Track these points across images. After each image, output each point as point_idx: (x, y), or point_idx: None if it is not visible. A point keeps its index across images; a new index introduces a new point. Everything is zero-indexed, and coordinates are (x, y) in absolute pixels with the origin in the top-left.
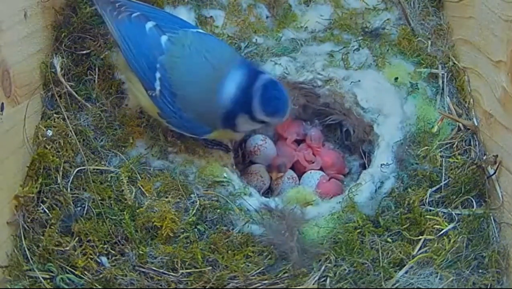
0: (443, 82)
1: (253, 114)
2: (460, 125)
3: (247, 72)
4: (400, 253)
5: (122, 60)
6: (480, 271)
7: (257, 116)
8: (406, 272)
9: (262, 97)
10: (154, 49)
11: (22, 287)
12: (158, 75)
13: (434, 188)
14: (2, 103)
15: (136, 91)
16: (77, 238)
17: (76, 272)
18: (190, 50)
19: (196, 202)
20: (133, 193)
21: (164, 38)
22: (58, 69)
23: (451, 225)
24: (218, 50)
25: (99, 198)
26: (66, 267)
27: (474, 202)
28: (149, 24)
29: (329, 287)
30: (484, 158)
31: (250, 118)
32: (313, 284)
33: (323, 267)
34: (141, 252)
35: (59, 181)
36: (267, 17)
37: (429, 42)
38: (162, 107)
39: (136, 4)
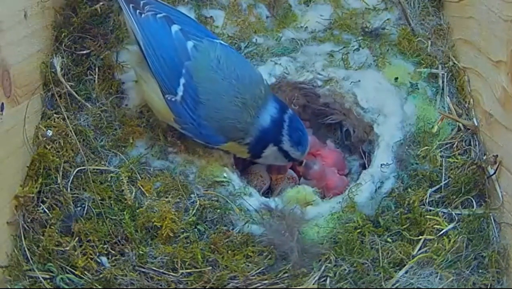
0: (443, 82)
1: (280, 144)
2: (460, 125)
3: (277, 105)
4: (400, 253)
5: (135, 58)
6: (480, 271)
7: (284, 146)
8: (406, 272)
9: (290, 127)
10: (180, 53)
11: (22, 287)
12: (182, 80)
13: (434, 188)
14: (2, 103)
15: (151, 92)
16: (77, 238)
17: (76, 272)
18: (219, 63)
19: (196, 202)
20: (133, 193)
21: (190, 44)
22: (58, 69)
23: (451, 225)
24: (246, 69)
25: (99, 198)
26: (66, 267)
27: (474, 202)
28: (175, 27)
29: (329, 287)
30: (484, 158)
31: (278, 149)
32: (313, 284)
33: (323, 267)
34: (141, 252)
35: (59, 181)
36: (267, 17)
37: (429, 42)
38: (181, 113)
39: (160, 4)
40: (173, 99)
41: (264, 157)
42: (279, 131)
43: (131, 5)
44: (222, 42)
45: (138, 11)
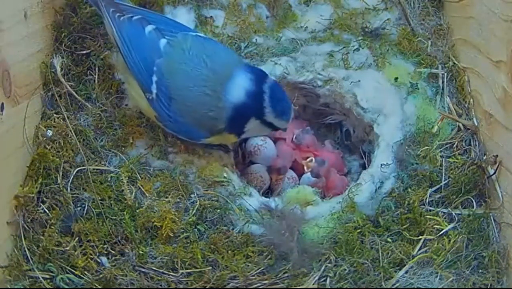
0: (443, 82)
1: (263, 117)
2: (460, 125)
3: (252, 76)
4: (400, 253)
5: (121, 62)
6: (480, 271)
7: (267, 118)
8: (406, 272)
9: (272, 98)
10: (152, 52)
11: (22, 287)
12: (154, 78)
13: (434, 188)
14: (2, 103)
15: (135, 94)
16: (77, 238)
17: (76, 272)
18: (189, 54)
19: (196, 202)
20: (133, 193)
21: (163, 42)
22: (58, 69)
23: (451, 225)
24: (219, 55)
25: (99, 198)
26: (66, 267)
27: (474, 202)
28: (149, 27)
29: (329, 287)
30: (484, 158)
31: (260, 122)
32: (313, 284)
33: (323, 267)
34: (141, 252)
35: (59, 181)
36: (267, 17)
37: (429, 42)
38: (159, 111)
39: (138, 10)
40: (150, 98)
41: (247, 131)
42: (261, 103)
43: (111, 9)
44: (199, 34)
45: (117, 14)
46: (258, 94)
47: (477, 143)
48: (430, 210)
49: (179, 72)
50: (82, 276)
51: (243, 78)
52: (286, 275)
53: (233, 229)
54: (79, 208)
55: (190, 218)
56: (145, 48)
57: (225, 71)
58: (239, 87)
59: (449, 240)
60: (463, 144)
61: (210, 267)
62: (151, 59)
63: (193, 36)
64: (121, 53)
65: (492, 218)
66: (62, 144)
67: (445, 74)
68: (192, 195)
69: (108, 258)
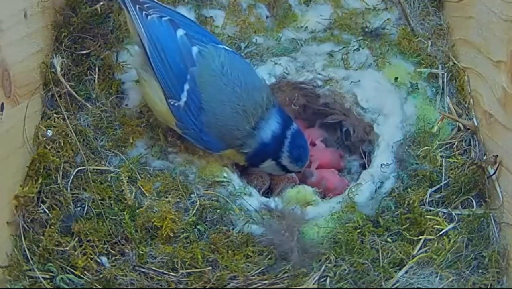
0: (443, 82)
1: (279, 159)
2: (460, 125)
3: (280, 120)
4: (400, 253)
5: (138, 60)
6: (480, 271)
7: (282, 162)
8: (406, 272)
9: (291, 144)
10: (185, 58)
11: (22, 287)
12: (186, 86)
13: (434, 188)
14: (2, 103)
15: (154, 96)
16: (77, 238)
17: (76, 272)
18: (223, 69)
19: (196, 202)
20: (133, 193)
21: (195, 50)
22: (58, 69)
23: (451, 225)
24: (250, 76)
25: (99, 198)
26: (66, 267)
27: (474, 202)
28: (180, 32)
29: (329, 287)
30: (484, 158)
31: (276, 163)
32: (313, 284)
33: (323, 267)
34: (141, 252)
35: (59, 181)
36: (267, 17)
37: (429, 42)
38: (183, 119)
39: (164, 8)
40: (176, 104)
41: (261, 168)
42: (280, 147)
43: (137, 6)
44: (226, 47)
45: (144, 12)
46: (281, 139)
47: (477, 143)
48: (430, 210)
49: (214, 84)
50: (82, 276)
51: (274, 120)
52: (286, 275)
53: (233, 229)
54: (79, 208)
55: (190, 218)
56: (178, 54)
57: (258, 99)
58: (269, 129)
59: (449, 240)
60: (463, 144)
61: (210, 267)
62: (185, 66)
63: (224, 50)
64: (147, 53)
65: (492, 218)
66: (62, 144)
67: (445, 74)
68: (192, 195)
69: (108, 258)
